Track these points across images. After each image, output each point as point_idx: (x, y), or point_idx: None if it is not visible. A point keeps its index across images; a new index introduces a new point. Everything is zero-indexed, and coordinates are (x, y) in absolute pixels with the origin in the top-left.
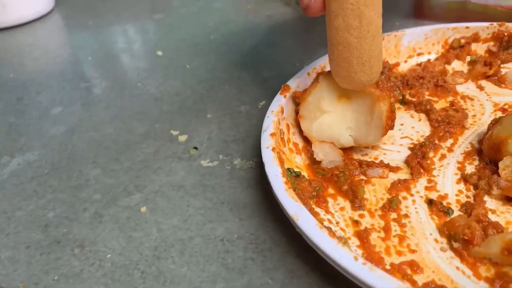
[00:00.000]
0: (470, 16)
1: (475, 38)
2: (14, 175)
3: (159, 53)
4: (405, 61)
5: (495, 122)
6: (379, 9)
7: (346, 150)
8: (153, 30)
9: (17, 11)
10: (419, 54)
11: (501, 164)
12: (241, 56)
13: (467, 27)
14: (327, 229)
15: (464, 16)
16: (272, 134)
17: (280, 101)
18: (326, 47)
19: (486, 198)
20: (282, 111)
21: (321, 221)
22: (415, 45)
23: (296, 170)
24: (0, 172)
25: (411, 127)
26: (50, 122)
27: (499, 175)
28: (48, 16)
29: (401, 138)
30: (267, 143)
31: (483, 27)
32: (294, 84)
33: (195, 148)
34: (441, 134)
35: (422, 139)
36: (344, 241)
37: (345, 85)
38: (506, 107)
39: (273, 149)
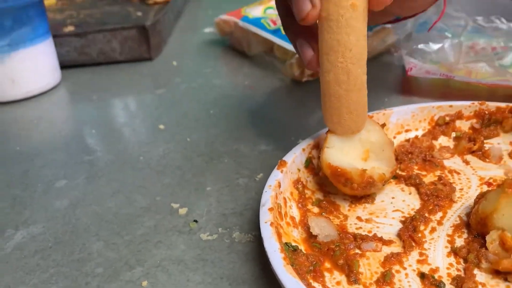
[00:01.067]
0: (455, 93)
1: (459, 115)
2: (18, 249)
3: (161, 127)
4: (394, 137)
5: (481, 196)
6: (364, 67)
7: (341, 224)
8: (156, 105)
9: (25, 86)
10: (407, 131)
11: (488, 238)
12: (239, 130)
13: (451, 106)
14: None
15: (449, 93)
16: (270, 209)
17: (277, 176)
18: (320, 122)
19: (476, 271)
20: (279, 186)
21: None
22: (403, 122)
23: (293, 244)
24: (4, 245)
25: (402, 200)
26: (54, 195)
27: (487, 249)
28: (54, 90)
29: (393, 211)
30: (265, 217)
31: (466, 106)
32: (290, 159)
33: (195, 221)
34: (430, 208)
35: (413, 212)
36: None
37: (336, 130)
38: (491, 181)
39: (271, 224)
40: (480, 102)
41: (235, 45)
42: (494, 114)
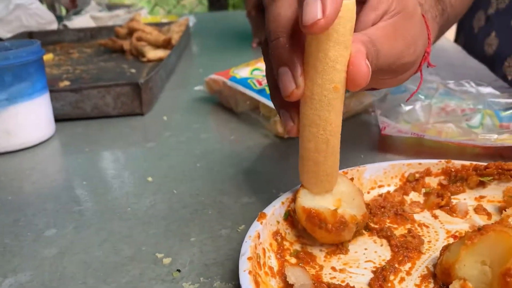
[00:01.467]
0: (427, 150)
1: (428, 172)
2: None
3: (149, 179)
4: (368, 192)
5: (446, 248)
6: (339, 137)
7: (317, 274)
8: (145, 158)
9: (20, 138)
10: (380, 186)
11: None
12: (223, 182)
13: (420, 163)
14: None
15: (422, 150)
16: (249, 258)
17: (257, 227)
18: (298, 175)
19: None
20: (259, 237)
21: None
22: (375, 178)
23: None
24: None
25: (374, 251)
26: (43, 244)
27: None
28: (48, 141)
29: (365, 261)
30: (244, 266)
31: (433, 164)
32: (270, 211)
33: (178, 270)
34: (400, 259)
35: (384, 263)
36: None
37: (312, 189)
38: (457, 234)
39: (250, 272)
40: (446, 160)
41: (224, 102)
42: (460, 171)
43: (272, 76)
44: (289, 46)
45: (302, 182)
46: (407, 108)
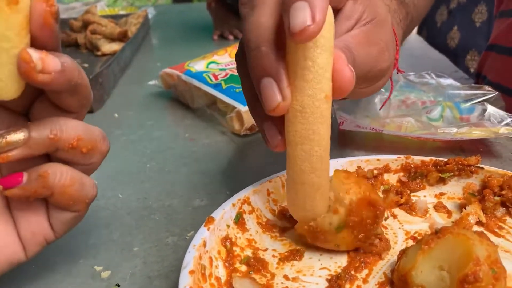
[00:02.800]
0: (387, 145)
1: (386, 169)
2: None
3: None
4: None
5: (403, 253)
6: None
7: (268, 283)
8: None
9: None
10: None
11: None
12: (174, 184)
13: (378, 159)
14: None
15: (382, 145)
16: (191, 272)
17: (203, 234)
18: (254, 176)
19: None
20: (205, 245)
21: None
22: None
23: None
24: None
25: (330, 257)
26: None
27: None
28: None
29: (320, 269)
30: (185, 282)
31: (392, 160)
32: (219, 215)
33: (117, 285)
34: (357, 265)
35: (339, 270)
36: None
37: (306, 218)
38: (416, 235)
39: None
40: (406, 156)
41: (179, 97)
42: (419, 167)
43: (250, 88)
44: (272, 56)
45: (294, 214)
46: (365, 101)
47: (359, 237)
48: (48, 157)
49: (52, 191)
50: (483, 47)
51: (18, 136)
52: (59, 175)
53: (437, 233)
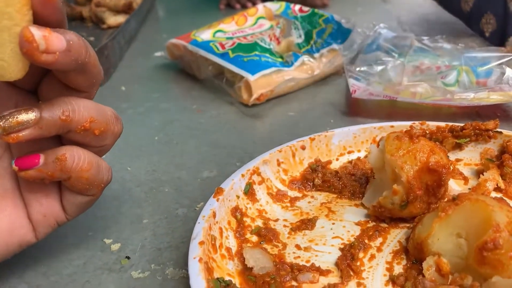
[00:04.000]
0: (401, 112)
1: (410, 135)
2: None
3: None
4: (337, 159)
5: (418, 221)
6: None
7: (279, 253)
8: None
9: None
10: (349, 152)
11: (424, 265)
12: (182, 156)
13: (392, 126)
14: None
15: (395, 112)
16: (201, 242)
17: (213, 205)
18: (263, 145)
19: None
20: (214, 215)
21: None
22: (345, 143)
23: (226, 279)
24: None
25: (343, 226)
26: None
27: (424, 276)
28: None
29: (333, 238)
30: (195, 252)
31: (406, 126)
32: (228, 186)
33: (127, 257)
34: (370, 233)
35: (352, 239)
36: None
37: None
38: None
39: (200, 260)
40: (420, 122)
41: (186, 69)
42: (435, 133)
43: None
44: None
45: None
46: (379, 68)
47: (429, 201)
48: (59, 139)
49: (70, 175)
50: (498, 10)
51: (29, 116)
52: (77, 158)
53: (455, 200)
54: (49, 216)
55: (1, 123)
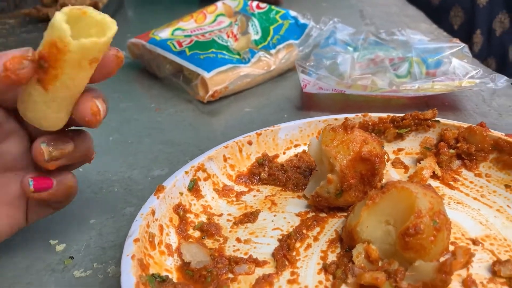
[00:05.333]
0: (352, 105)
1: (345, 127)
2: None
3: None
4: (284, 153)
5: (352, 209)
6: None
7: (220, 247)
8: None
9: None
10: (296, 146)
11: (354, 252)
12: (136, 155)
13: (336, 119)
14: None
15: (347, 105)
16: (136, 240)
17: (152, 203)
18: (217, 142)
19: (343, 287)
20: (153, 213)
21: None
22: (291, 137)
23: (163, 274)
24: None
25: (283, 217)
26: None
27: (354, 263)
28: None
29: (273, 229)
30: (128, 250)
31: (350, 118)
32: (170, 183)
33: (71, 257)
34: (309, 224)
35: (291, 229)
36: None
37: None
38: None
39: (133, 257)
40: (363, 114)
41: (146, 67)
42: (377, 124)
43: None
44: None
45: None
46: (328, 62)
47: (364, 190)
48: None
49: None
50: (466, 3)
51: (68, 147)
52: (76, 184)
53: (382, 188)
54: (14, 226)
55: (50, 149)
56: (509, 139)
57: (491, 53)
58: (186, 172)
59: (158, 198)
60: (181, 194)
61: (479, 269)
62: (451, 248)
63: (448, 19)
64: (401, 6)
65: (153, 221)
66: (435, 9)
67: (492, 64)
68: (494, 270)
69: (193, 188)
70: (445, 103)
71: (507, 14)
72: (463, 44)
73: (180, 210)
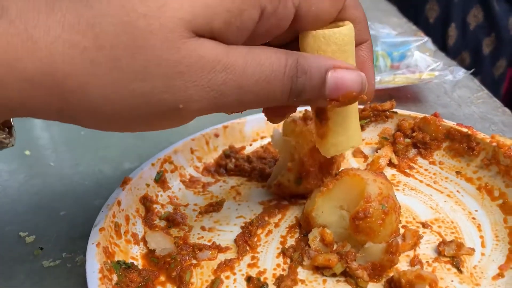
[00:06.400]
0: None
1: (305, 118)
2: None
3: (27, 152)
4: (250, 144)
5: (309, 196)
6: None
7: (185, 235)
8: (27, 128)
9: None
10: (262, 137)
11: (310, 236)
12: (107, 149)
13: (299, 111)
14: None
15: None
16: (101, 229)
17: (118, 194)
18: (182, 134)
19: (299, 269)
20: (119, 204)
21: None
22: (258, 129)
23: (128, 262)
24: None
25: (247, 206)
26: None
27: (310, 246)
28: None
29: (237, 217)
30: (94, 238)
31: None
32: (137, 175)
33: (41, 248)
34: (271, 211)
35: (254, 217)
36: None
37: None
38: None
39: (98, 245)
40: None
41: None
42: None
43: None
44: None
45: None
46: None
47: (323, 178)
48: None
49: None
50: None
51: None
52: None
53: (336, 175)
54: None
55: None
56: (460, 128)
57: (465, 46)
58: (153, 164)
59: (124, 189)
60: (148, 185)
61: (426, 249)
62: (402, 231)
63: (424, 13)
64: (375, 0)
65: (119, 211)
66: (412, 3)
67: (466, 58)
68: (439, 250)
69: (160, 179)
70: (407, 95)
71: (480, 8)
72: (427, 38)
73: (146, 201)
